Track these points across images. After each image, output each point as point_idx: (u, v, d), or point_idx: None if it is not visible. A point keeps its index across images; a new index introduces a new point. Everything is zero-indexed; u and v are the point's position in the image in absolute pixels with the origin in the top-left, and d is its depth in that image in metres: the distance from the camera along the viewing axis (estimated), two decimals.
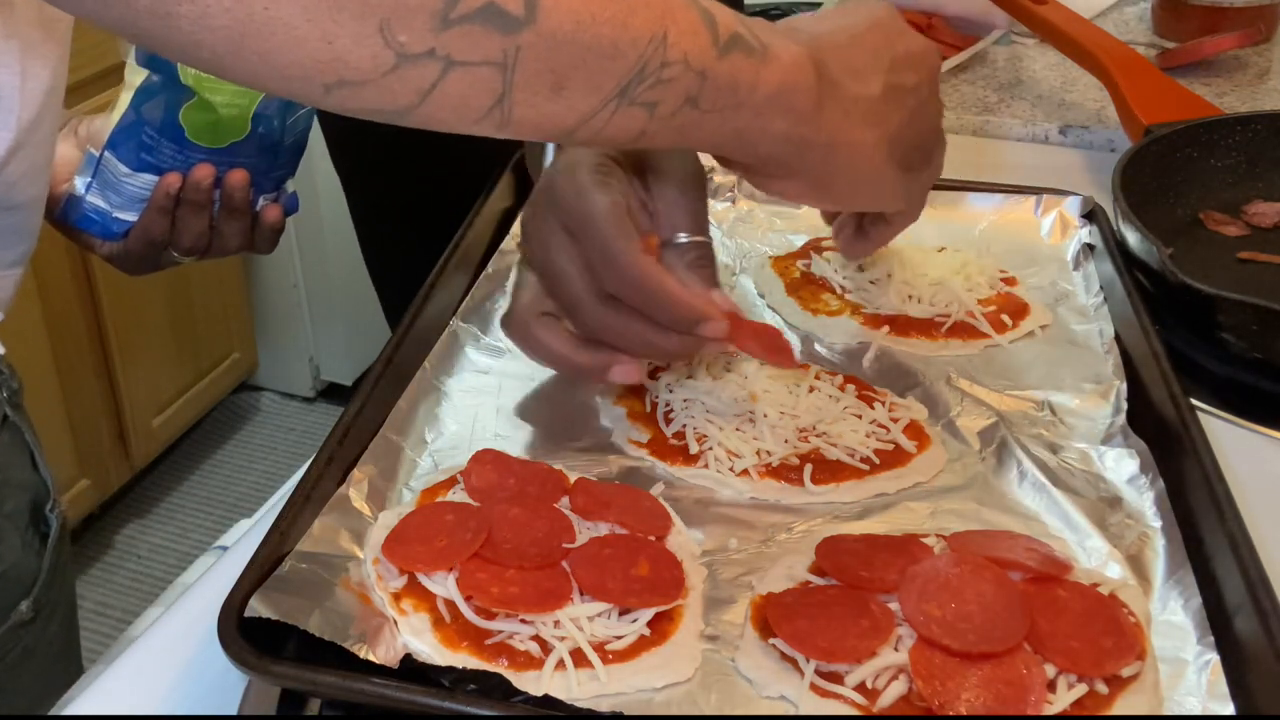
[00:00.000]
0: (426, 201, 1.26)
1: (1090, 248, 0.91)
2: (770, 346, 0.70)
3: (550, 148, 0.76)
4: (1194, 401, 0.71)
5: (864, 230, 0.73)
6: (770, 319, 0.86)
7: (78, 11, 0.42)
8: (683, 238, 0.67)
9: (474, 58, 0.45)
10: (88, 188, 0.82)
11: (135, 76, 0.78)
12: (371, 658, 0.53)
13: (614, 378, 0.67)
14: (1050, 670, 0.54)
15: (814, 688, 0.54)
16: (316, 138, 1.44)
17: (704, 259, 0.68)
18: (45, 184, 0.74)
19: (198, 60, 0.43)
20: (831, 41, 0.60)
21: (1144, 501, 0.66)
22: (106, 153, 0.80)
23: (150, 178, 0.80)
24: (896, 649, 0.56)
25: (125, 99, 0.79)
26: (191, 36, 0.41)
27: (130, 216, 0.82)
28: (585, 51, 0.47)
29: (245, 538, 0.69)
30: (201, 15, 0.41)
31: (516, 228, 0.94)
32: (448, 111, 0.47)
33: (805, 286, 0.87)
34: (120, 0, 0.41)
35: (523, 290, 0.69)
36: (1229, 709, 0.53)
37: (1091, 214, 0.93)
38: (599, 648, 0.56)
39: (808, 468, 0.69)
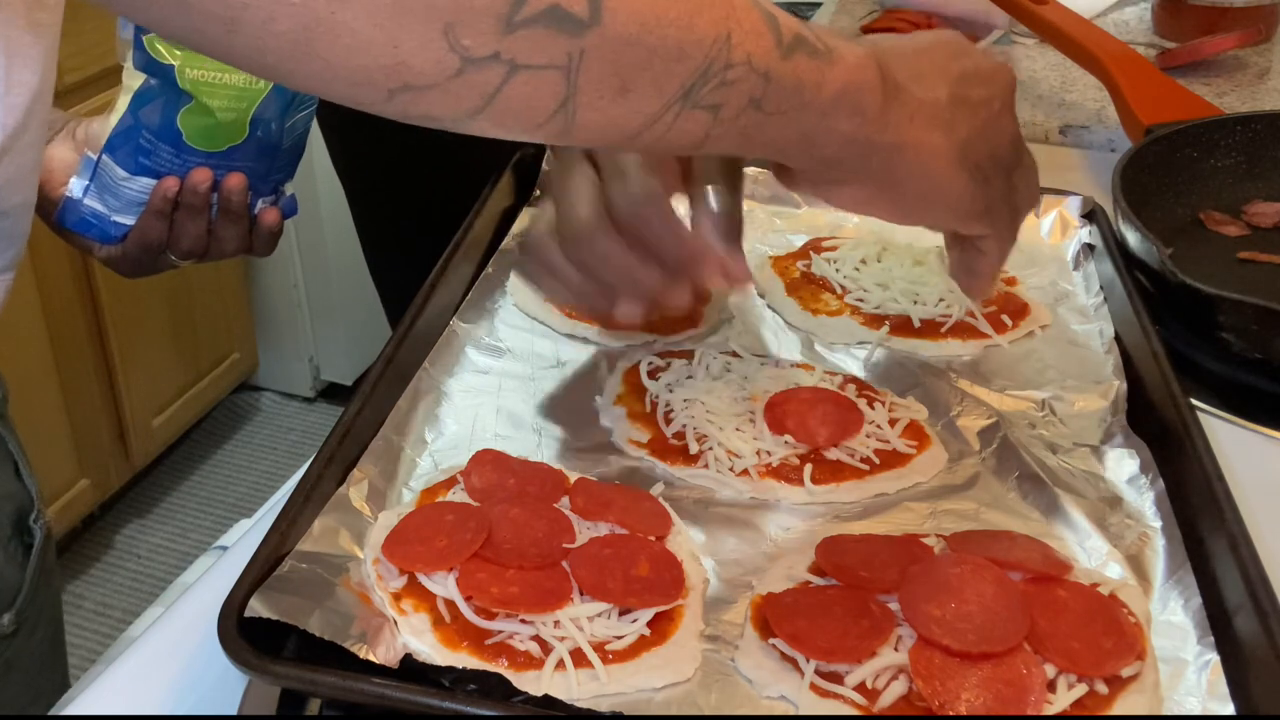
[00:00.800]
0: (427, 201, 1.26)
1: (1090, 248, 0.91)
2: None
3: None
4: (1194, 401, 0.71)
5: (970, 262, 0.70)
6: (770, 319, 0.86)
7: (141, 19, 0.42)
8: (712, 190, 0.65)
9: (538, 61, 0.45)
10: (85, 191, 0.82)
11: (133, 80, 0.78)
12: (371, 658, 0.53)
13: (618, 313, 0.66)
14: (1050, 670, 0.54)
15: (814, 688, 0.54)
16: (316, 138, 1.44)
17: (731, 215, 0.66)
18: (33, 188, 0.74)
19: (262, 67, 0.43)
20: (896, 49, 0.59)
21: (1144, 501, 0.66)
22: (104, 156, 0.80)
23: (148, 181, 0.80)
24: (896, 649, 0.56)
25: (123, 102, 0.79)
26: (256, 42, 0.41)
27: (128, 220, 0.82)
28: (650, 53, 0.47)
29: (245, 538, 0.69)
30: (266, 20, 0.40)
31: (517, 228, 0.94)
32: (512, 116, 0.47)
33: (805, 286, 0.87)
34: (183, 6, 0.40)
35: (541, 219, 0.68)
36: (1229, 709, 0.53)
37: (1091, 214, 0.93)
38: (599, 648, 0.56)
39: (808, 468, 0.69)
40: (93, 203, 0.82)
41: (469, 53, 0.43)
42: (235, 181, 0.81)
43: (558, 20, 0.44)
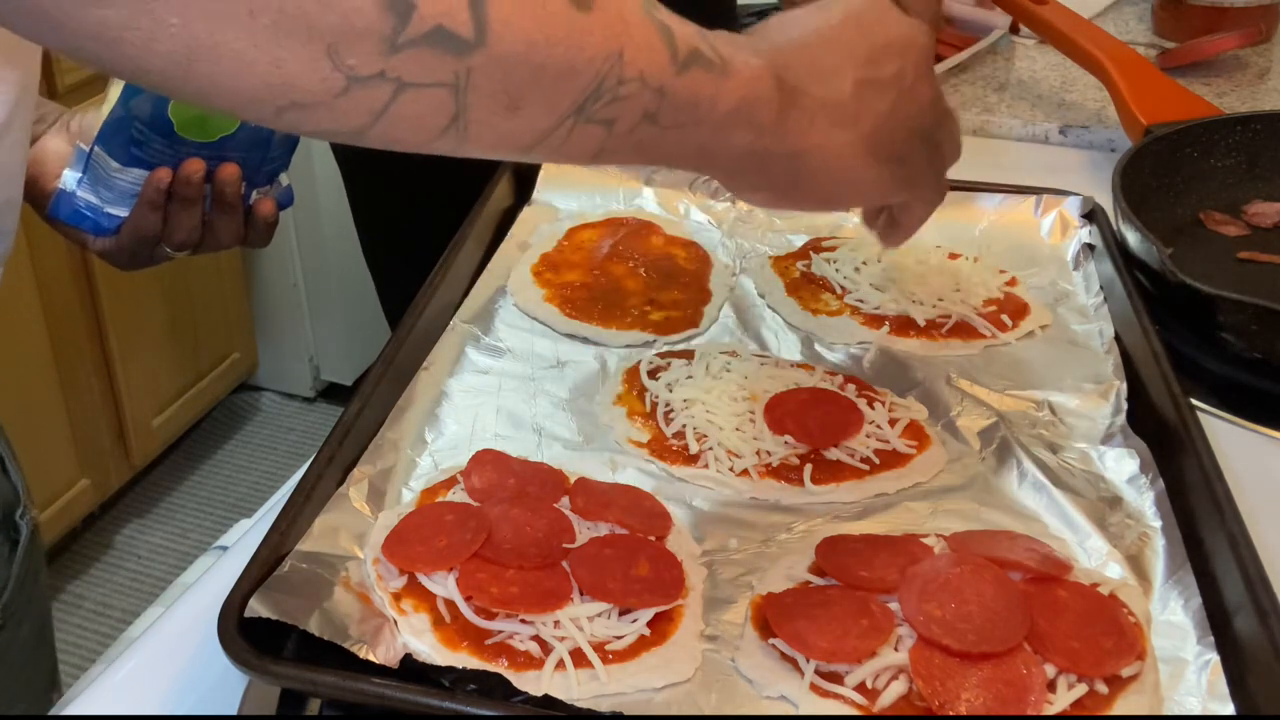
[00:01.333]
0: (428, 201, 1.26)
1: (1090, 248, 0.91)
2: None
3: None
4: (1194, 401, 0.71)
5: (894, 219, 0.72)
6: (770, 319, 0.86)
7: (23, 33, 0.42)
8: None
9: (425, 80, 0.45)
10: (78, 183, 0.81)
11: None
12: (371, 658, 0.53)
13: None
14: (1050, 670, 0.54)
15: (814, 688, 0.54)
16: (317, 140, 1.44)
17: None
18: (19, 186, 0.74)
19: (147, 82, 0.43)
20: (799, 45, 0.59)
21: (1144, 501, 0.66)
22: (97, 148, 0.80)
23: (140, 172, 0.80)
24: (896, 649, 0.56)
25: (114, 93, 0.78)
26: (138, 62, 0.41)
27: (122, 212, 0.82)
28: (539, 71, 0.47)
29: (245, 538, 0.69)
30: (148, 40, 0.40)
31: (516, 228, 0.94)
32: (403, 131, 0.47)
33: (805, 286, 0.87)
34: (64, 24, 0.40)
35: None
36: (1229, 709, 0.53)
37: (1091, 214, 0.93)
38: (599, 648, 0.56)
39: (808, 468, 0.69)
40: (86, 194, 0.81)
41: (354, 72, 0.43)
42: (228, 172, 0.80)
43: (442, 41, 0.44)
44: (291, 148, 0.85)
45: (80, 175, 0.81)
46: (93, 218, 0.82)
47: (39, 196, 0.82)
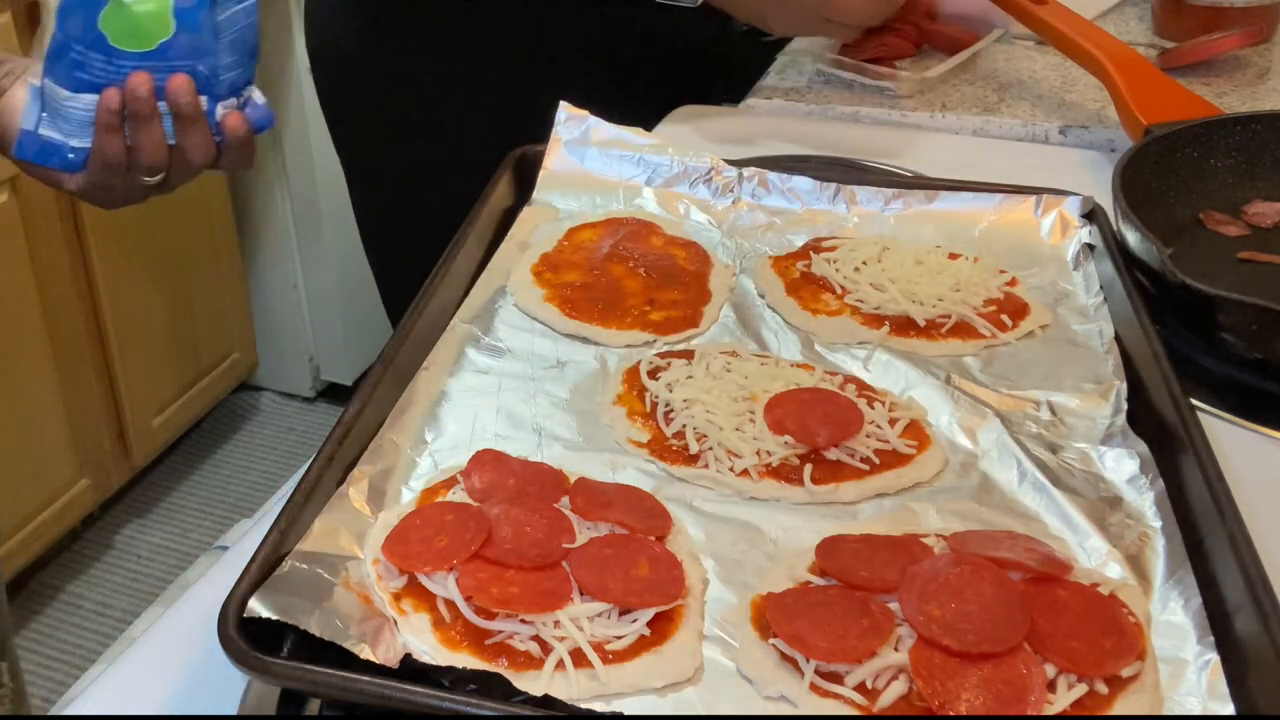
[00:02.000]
0: (432, 199, 1.26)
1: (1090, 248, 0.91)
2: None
3: None
4: (1194, 401, 0.71)
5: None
6: (770, 319, 0.86)
7: None
8: None
9: None
10: (38, 121, 0.80)
11: None
12: (371, 658, 0.53)
13: None
14: (1050, 670, 0.54)
15: (814, 688, 0.54)
16: (317, 136, 1.44)
17: None
18: None
19: None
20: None
21: (1144, 501, 0.66)
22: (47, 80, 0.79)
23: (91, 97, 0.78)
24: (896, 649, 0.56)
25: (49, 20, 0.77)
26: None
27: (84, 143, 0.80)
28: None
29: (245, 538, 0.68)
30: None
31: (516, 228, 0.94)
32: None
33: (805, 286, 0.87)
34: None
35: None
36: (1229, 709, 0.53)
37: (1091, 214, 0.93)
38: (599, 648, 0.56)
39: (808, 468, 0.69)
40: (48, 131, 0.80)
41: None
42: (177, 83, 0.78)
43: None
44: (248, 55, 0.82)
45: (39, 112, 0.80)
46: (58, 154, 0.81)
47: (10, 145, 0.82)
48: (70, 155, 0.81)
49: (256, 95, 0.86)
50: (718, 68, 1.35)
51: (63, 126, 0.80)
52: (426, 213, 1.18)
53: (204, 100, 0.81)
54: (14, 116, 0.82)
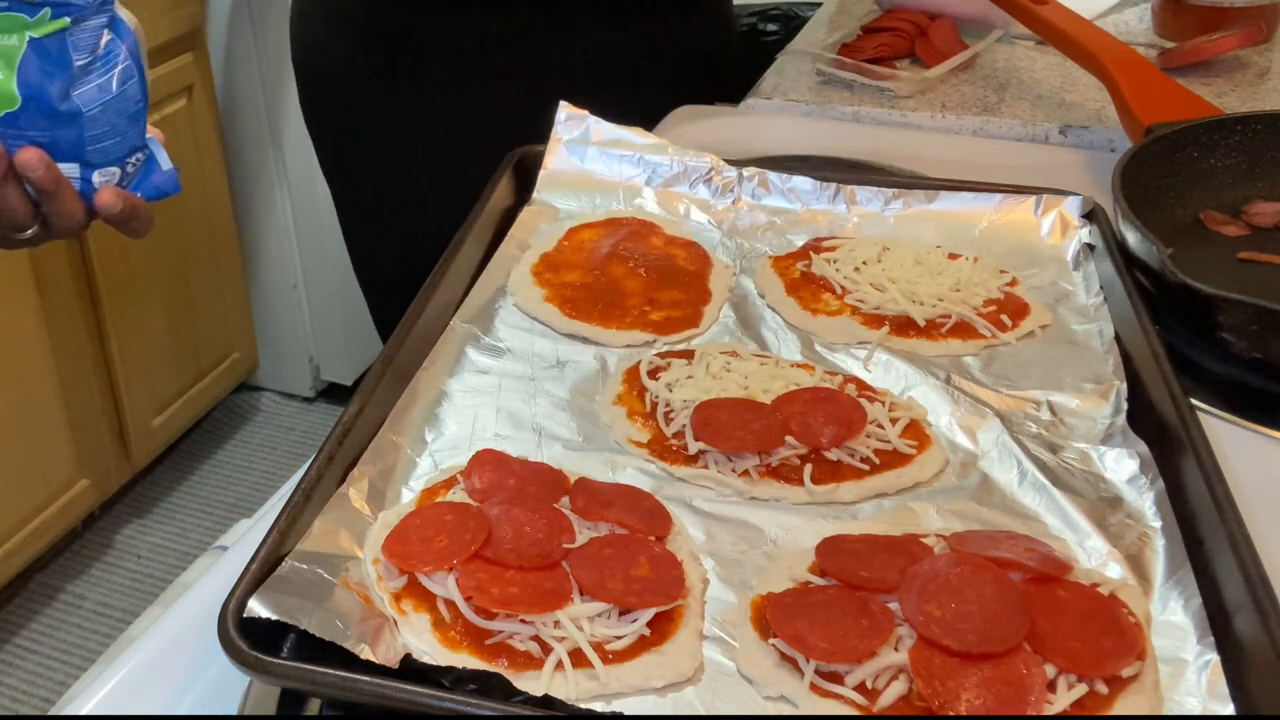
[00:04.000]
0: (419, 217, 1.26)
1: (1090, 248, 0.91)
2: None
3: None
4: (1194, 401, 0.71)
5: None
6: (770, 319, 0.86)
7: None
8: None
9: None
10: None
11: None
12: (371, 658, 0.53)
13: None
14: (1050, 670, 0.54)
15: (814, 688, 0.54)
16: (307, 137, 1.44)
17: None
18: None
19: None
20: None
21: (1144, 501, 0.66)
22: None
23: None
24: (896, 649, 0.56)
25: None
26: None
27: None
28: None
29: (245, 538, 0.68)
30: None
31: (516, 228, 0.94)
32: None
33: (805, 286, 0.87)
34: None
35: None
36: (1229, 709, 0.53)
37: (1091, 214, 0.93)
38: (599, 648, 0.56)
39: (808, 468, 0.69)
40: None
41: None
42: (28, 157, 0.75)
43: None
44: (129, 119, 0.79)
45: None
46: None
47: None
48: None
49: (160, 160, 0.82)
50: (718, 68, 1.35)
51: None
52: (414, 231, 1.18)
53: (74, 168, 0.77)
54: None
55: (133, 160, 0.80)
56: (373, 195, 1.32)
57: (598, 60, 1.23)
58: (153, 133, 0.81)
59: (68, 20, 0.74)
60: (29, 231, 0.80)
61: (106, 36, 0.76)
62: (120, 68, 0.77)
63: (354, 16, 1.23)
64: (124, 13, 0.77)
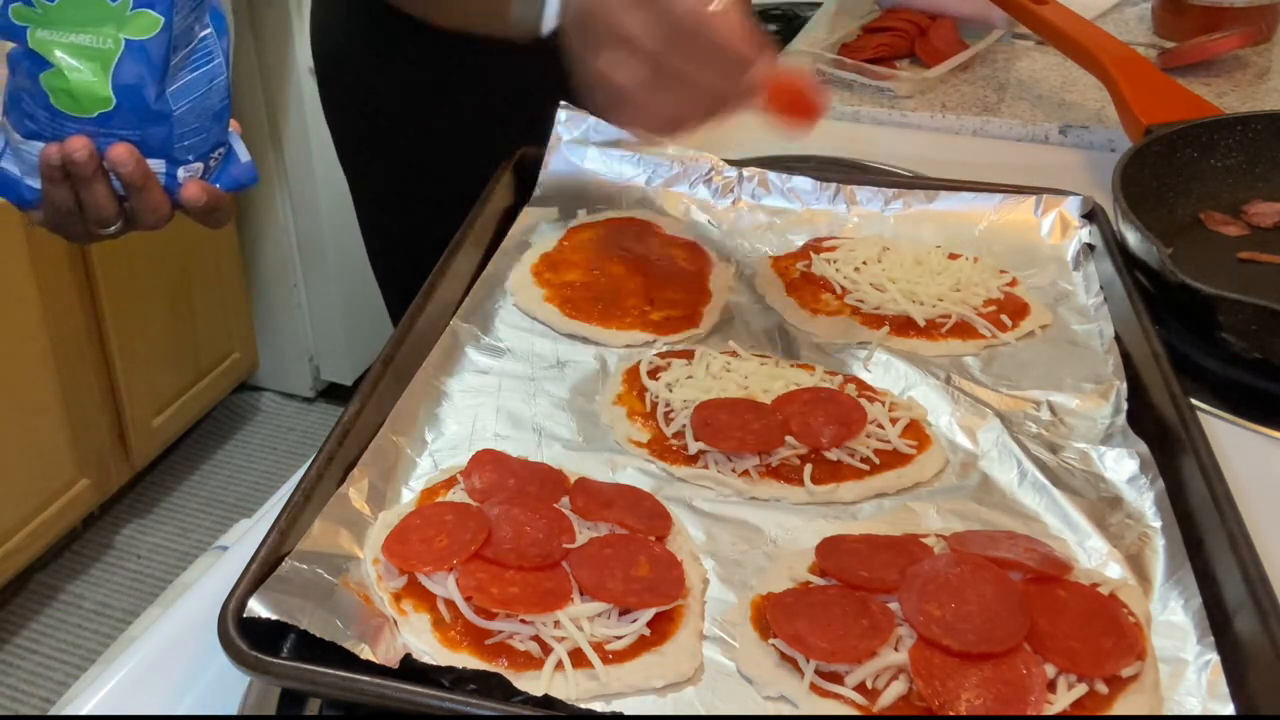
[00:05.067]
0: (434, 201, 1.26)
1: (1090, 248, 0.91)
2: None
3: None
4: (1194, 401, 0.71)
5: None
6: (770, 319, 0.86)
7: None
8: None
9: None
10: (1, 153, 0.78)
11: (5, 43, 0.76)
12: (371, 658, 0.53)
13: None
14: (1050, 670, 0.54)
15: (814, 688, 0.54)
16: (317, 137, 1.44)
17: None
18: None
19: None
20: None
21: (1144, 501, 0.66)
22: (6, 118, 0.77)
23: (39, 145, 0.77)
24: (896, 649, 0.56)
25: (3, 65, 0.76)
26: None
27: (38, 184, 0.79)
28: None
29: (245, 538, 0.69)
30: None
31: (516, 228, 0.94)
32: None
33: (805, 286, 0.87)
34: None
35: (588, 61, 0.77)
36: (1229, 709, 0.53)
37: (1091, 214, 0.93)
38: (599, 648, 0.56)
39: (808, 468, 0.69)
40: (9, 165, 0.79)
41: None
42: (119, 152, 0.76)
43: None
44: (212, 118, 0.79)
45: (2, 145, 0.78)
46: (15, 189, 0.79)
47: None
48: (26, 194, 0.79)
49: (239, 152, 0.83)
50: None
51: (20, 166, 0.79)
52: (430, 219, 1.18)
53: (161, 164, 0.78)
54: None
55: (215, 155, 0.81)
56: (391, 184, 1.32)
57: None
58: (230, 125, 0.82)
59: (162, 20, 0.73)
60: (113, 228, 0.81)
61: (203, 32, 0.76)
62: (212, 64, 0.78)
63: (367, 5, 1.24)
64: (221, 2, 0.78)
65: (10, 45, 0.75)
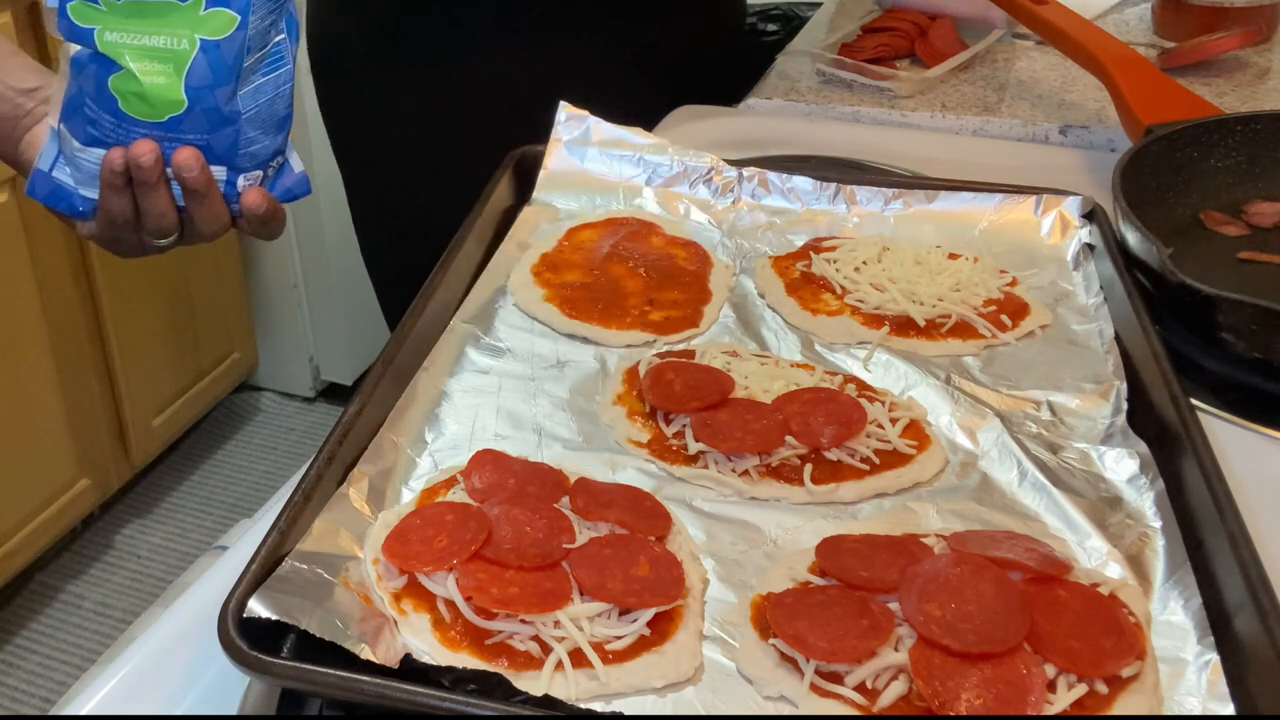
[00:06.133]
0: (432, 206, 1.26)
1: (1090, 248, 0.91)
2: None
3: None
4: (1194, 401, 0.71)
5: None
6: (770, 319, 0.86)
7: None
8: None
9: None
10: (54, 162, 0.77)
11: (69, 46, 0.74)
12: (371, 658, 0.53)
13: None
14: (1050, 670, 0.54)
15: (814, 688, 0.54)
16: (317, 137, 1.44)
17: None
18: None
19: None
20: None
21: (1144, 501, 0.66)
22: (62, 125, 0.76)
23: (101, 152, 0.76)
24: (896, 649, 0.56)
25: (64, 69, 0.75)
26: None
27: (93, 194, 0.78)
28: None
29: (245, 538, 0.68)
30: None
31: (516, 228, 0.94)
32: None
33: (805, 286, 0.87)
34: None
35: None
36: (1229, 709, 0.53)
37: (1091, 214, 0.93)
38: (599, 648, 0.56)
39: (808, 468, 0.69)
40: (60, 175, 0.78)
41: None
42: (184, 157, 0.75)
43: None
44: (276, 125, 0.79)
45: (55, 154, 0.77)
46: (67, 199, 0.78)
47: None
48: (79, 204, 0.78)
49: (293, 163, 0.82)
50: (718, 68, 1.36)
51: (75, 174, 0.77)
52: (426, 220, 1.18)
53: (222, 171, 0.78)
54: (36, 150, 0.79)
55: (274, 163, 0.80)
56: (386, 186, 1.32)
57: (601, 58, 1.23)
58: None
59: (238, 18, 0.72)
60: (170, 239, 0.80)
61: (278, 36, 0.75)
62: (282, 70, 0.77)
63: (365, 6, 1.24)
64: (295, 7, 0.76)
65: (75, 48, 0.74)
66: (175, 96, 0.74)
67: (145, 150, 0.74)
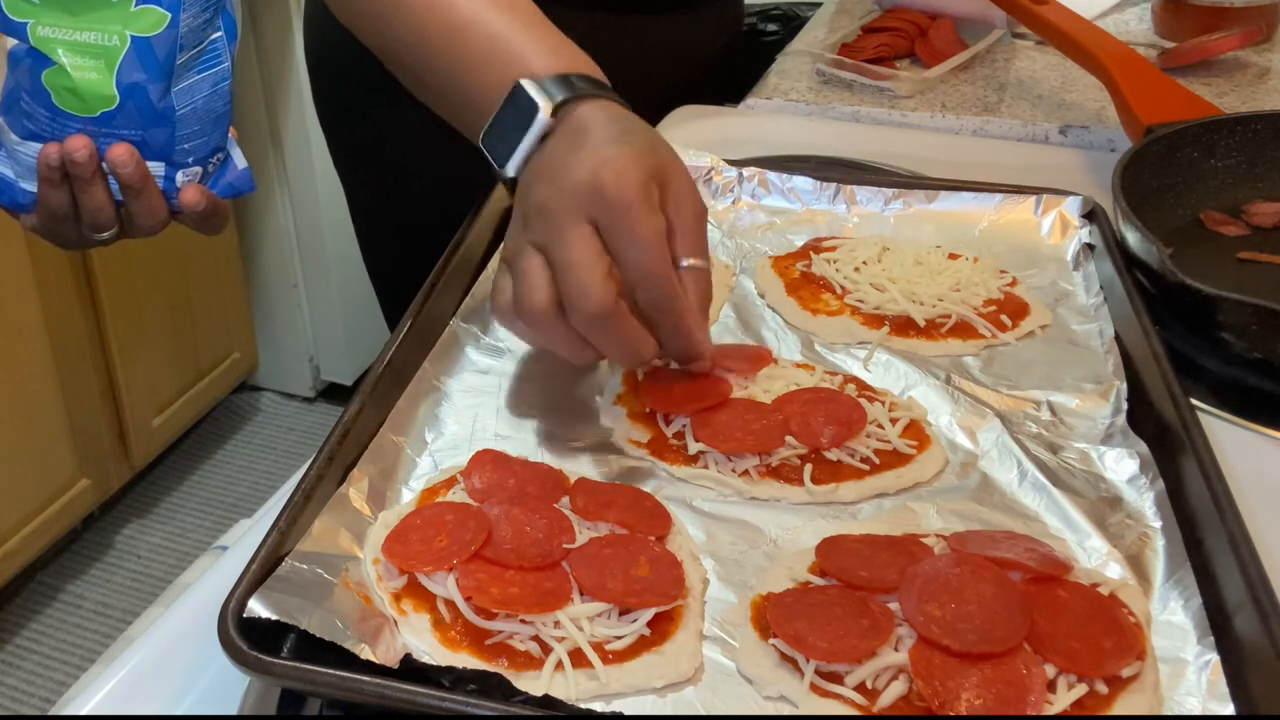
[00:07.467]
0: (428, 202, 1.26)
1: (1090, 248, 0.91)
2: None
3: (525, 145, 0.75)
4: (1194, 401, 0.71)
5: None
6: (770, 319, 0.86)
7: None
8: (686, 261, 0.70)
9: None
10: None
11: (6, 40, 0.74)
12: (371, 658, 0.53)
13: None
14: (1050, 670, 0.54)
15: (814, 688, 0.54)
16: (317, 137, 1.44)
17: (703, 287, 0.71)
18: None
19: None
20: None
21: (1144, 501, 0.66)
22: (1, 120, 0.76)
23: (37, 146, 0.76)
24: (896, 649, 0.56)
25: (2, 62, 0.75)
26: None
27: (33, 188, 0.78)
28: None
29: (245, 538, 0.68)
30: None
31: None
32: None
33: (805, 286, 0.87)
34: None
35: (517, 281, 0.69)
36: (1229, 709, 0.53)
37: (1091, 214, 0.93)
38: (599, 648, 0.56)
39: (808, 468, 0.69)
40: (2, 168, 0.78)
41: None
42: (119, 152, 0.75)
43: None
44: (214, 121, 0.78)
45: None
46: (8, 192, 0.78)
47: None
48: (20, 197, 0.78)
49: (236, 159, 0.82)
50: (718, 68, 1.35)
51: (15, 167, 0.77)
52: (426, 221, 1.18)
53: (160, 167, 0.77)
54: None
55: (214, 159, 0.80)
56: (385, 186, 1.32)
57: (600, 59, 1.23)
58: (229, 132, 0.81)
59: (169, 16, 0.72)
60: (108, 233, 0.80)
61: (214, 34, 0.75)
62: (219, 68, 0.77)
63: None
64: (233, 5, 0.76)
65: (12, 42, 0.74)
66: (107, 92, 0.74)
67: (79, 145, 0.74)
